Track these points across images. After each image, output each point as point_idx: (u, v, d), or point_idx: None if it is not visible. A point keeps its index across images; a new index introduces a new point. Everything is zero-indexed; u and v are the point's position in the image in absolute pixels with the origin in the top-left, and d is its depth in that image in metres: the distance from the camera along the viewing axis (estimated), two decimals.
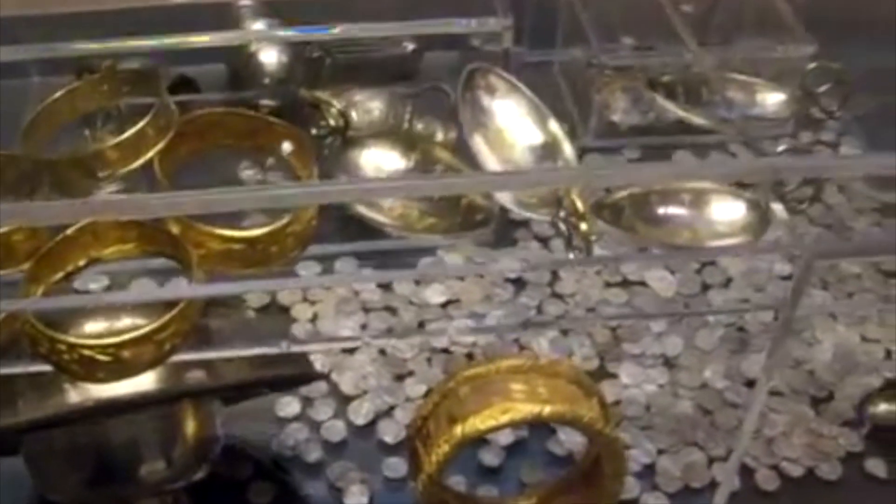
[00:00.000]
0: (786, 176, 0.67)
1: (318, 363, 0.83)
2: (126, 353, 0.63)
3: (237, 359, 0.68)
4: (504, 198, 0.74)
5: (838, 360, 0.87)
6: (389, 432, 0.81)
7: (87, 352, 0.63)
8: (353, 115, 0.88)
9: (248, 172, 0.84)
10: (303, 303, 0.86)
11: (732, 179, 0.69)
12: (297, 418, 0.82)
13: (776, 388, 0.85)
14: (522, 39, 1.05)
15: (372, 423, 0.82)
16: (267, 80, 0.95)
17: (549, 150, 0.73)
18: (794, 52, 0.94)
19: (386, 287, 0.87)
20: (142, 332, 0.63)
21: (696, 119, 0.86)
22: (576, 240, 0.68)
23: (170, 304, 0.65)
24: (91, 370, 0.63)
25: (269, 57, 0.97)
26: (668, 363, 0.86)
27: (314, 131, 0.75)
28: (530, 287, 0.88)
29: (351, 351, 0.85)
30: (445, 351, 0.85)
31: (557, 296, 0.88)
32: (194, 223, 0.69)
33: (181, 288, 0.63)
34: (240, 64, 0.98)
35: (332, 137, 0.74)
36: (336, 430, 0.81)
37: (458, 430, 0.70)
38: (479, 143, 0.72)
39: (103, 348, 0.63)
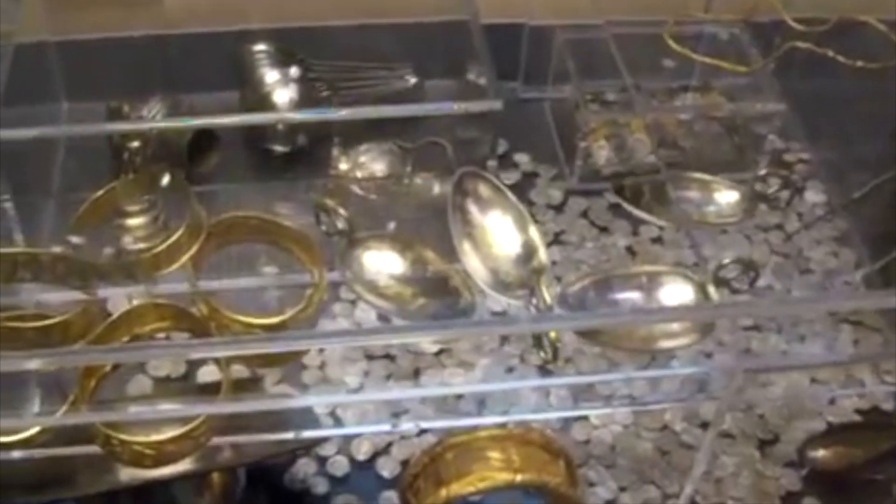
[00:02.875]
0: (728, 317, 0.88)
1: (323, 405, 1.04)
2: (169, 447, 0.85)
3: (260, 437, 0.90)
4: (482, 282, 0.95)
5: (787, 402, 1.09)
6: (387, 468, 1.03)
7: (136, 447, 0.85)
8: (358, 174, 1.08)
9: (266, 269, 1.05)
10: (312, 350, 1.07)
11: (691, 320, 0.90)
12: (305, 453, 1.04)
13: (728, 431, 1.06)
14: (517, 76, 1.25)
15: (371, 459, 1.03)
16: (280, 126, 1.15)
17: (526, 254, 0.93)
18: (766, 109, 1.14)
19: None
20: (181, 431, 0.85)
21: (656, 220, 1.06)
22: (545, 344, 0.89)
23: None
24: (139, 459, 0.85)
25: (282, 97, 1.17)
26: (635, 405, 1.08)
27: (323, 228, 0.96)
28: (514, 338, 1.09)
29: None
30: None
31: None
32: (221, 309, 0.91)
33: (211, 406, 0.84)
34: (254, 103, 1.17)
35: (339, 238, 0.95)
36: (340, 466, 1.03)
37: (443, 492, 0.92)
38: (465, 248, 0.93)
39: (149, 444, 0.85)
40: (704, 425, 1.06)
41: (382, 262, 0.94)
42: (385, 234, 0.95)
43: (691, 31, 1.19)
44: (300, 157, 1.16)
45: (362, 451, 1.03)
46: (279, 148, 1.15)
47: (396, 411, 1.06)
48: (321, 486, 1.02)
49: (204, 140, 1.12)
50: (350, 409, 1.06)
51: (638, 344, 0.93)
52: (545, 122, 1.23)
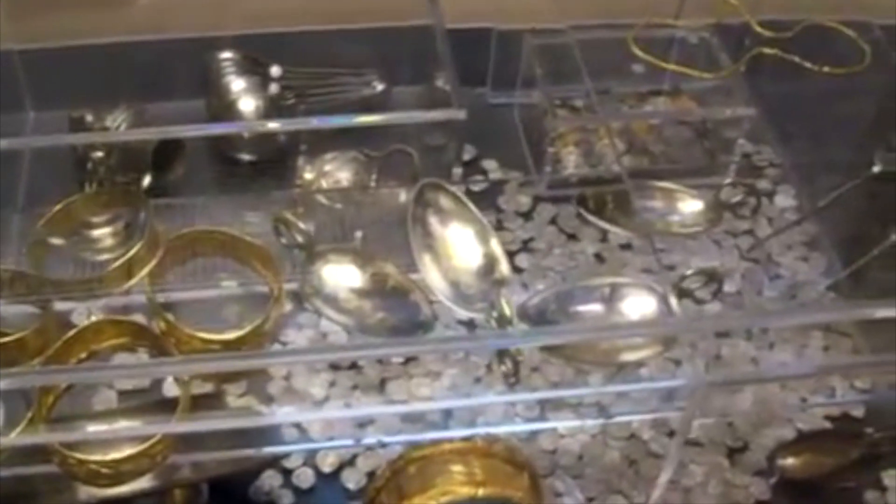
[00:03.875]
0: (701, 330, 0.88)
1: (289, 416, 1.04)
2: (125, 466, 0.85)
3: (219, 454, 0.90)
4: (442, 295, 0.95)
5: (756, 408, 1.09)
6: (352, 480, 1.03)
7: (92, 466, 0.85)
8: (323, 183, 1.09)
9: (226, 283, 1.05)
10: None
11: (660, 334, 0.90)
12: (271, 465, 1.04)
13: (696, 439, 1.06)
14: (486, 81, 1.25)
15: (337, 471, 1.03)
16: (246, 135, 1.15)
17: (488, 266, 0.94)
18: (735, 113, 1.14)
19: None
20: (137, 450, 0.85)
21: (619, 231, 1.06)
22: (506, 358, 0.89)
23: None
24: (95, 478, 0.86)
25: (248, 105, 1.17)
26: (602, 411, 1.08)
27: (283, 241, 0.96)
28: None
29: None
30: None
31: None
32: (178, 325, 0.91)
33: (167, 425, 0.84)
34: (220, 111, 1.17)
35: (298, 251, 0.95)
36: (305, 478, 1.03)
37: None
38: (426, 260, 0.93)
39: (105, 463, 0.85)
40: (673, 434, 1.06)
41: (342, 276, 0.94)
42: (345, 248, 0.95)
43: (661, 35, 1.19)
44: (267, 165, 1.15)
45: (328, 463, 1.04)
46: (245, 157, 1.15)
47: (362, 422, 1.05)
48: (286, 499, 1.02)
49: (169, 149, 1.12)
50: (315, 420, 1.05)
51: (600, 357, 0.93)
52: (514, 127, 1.23)
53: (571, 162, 1.16)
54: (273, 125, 1.09)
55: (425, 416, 1.04)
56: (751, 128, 1.15)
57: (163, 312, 0.90)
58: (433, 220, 0.94)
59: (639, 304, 0.94)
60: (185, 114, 1.17)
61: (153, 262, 0.92)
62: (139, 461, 0.85)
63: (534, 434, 1.06)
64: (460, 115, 1.02)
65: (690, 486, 1.04)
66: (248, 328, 0.90)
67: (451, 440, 0.94)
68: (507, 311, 0.91)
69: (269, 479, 1.02)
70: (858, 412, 1.09)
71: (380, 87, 1.21)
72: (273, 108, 1.17)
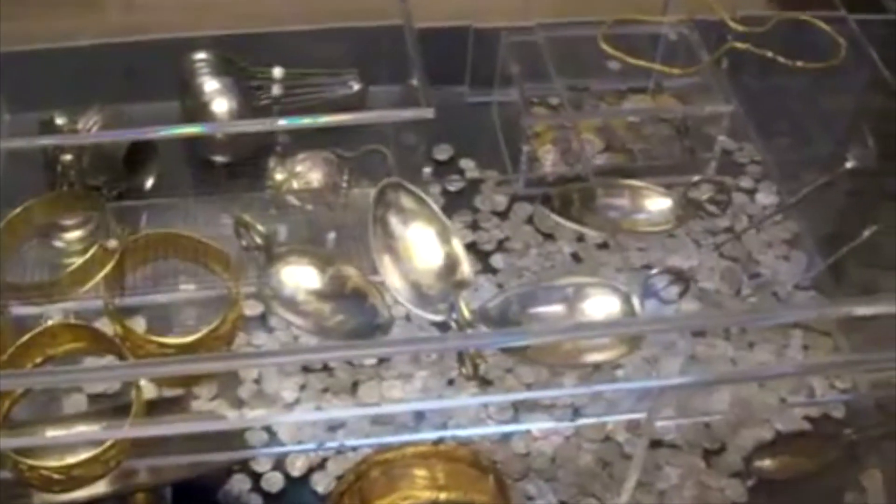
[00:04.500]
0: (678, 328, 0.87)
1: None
2: (77, 472, 0.84)
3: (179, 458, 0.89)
4: (402, 297, 0.94)
5: (735, 408, 1.07)
6: (322, 483, 1.02)
7: (44, 472, 0.84)
8: (294, 184, 1.07)
9: (185, 286, 1.04)
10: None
11: (620, 334, 0.88)
12: (240, 469, 1.03)
13: (672, 441, 1.04)
14: (464, 79, 1.24)
15: (307, 475, 1.02)
16: (220, 136, 1.14)
17: (449, 268, 0.92)
18: (714, 110, 1.12)
19: None
20: (90, 455, 0.84)
21: (587, 230, 1.05)
22: (466, 360, 0.88)
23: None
24: (48, 485, 0.85)
25: (221, 106, 1.16)
26: (576, 413, 1.06)
27: (244, 243, 0.95)
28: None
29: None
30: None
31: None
32: (135, 329, 0.90)
33: (118, 431, 0.83)
34: (193, 112, 1.16)
35: (258, 253, 0.94)
36: (275, 482, 1.02)
37: None
38: (386, 262, 0.92)
39: (58, 469, 0.84)
40: None
41: (301, 278, 0.93)
42: (305, 249, 0.94)
43: (640, 32, 1.18)
44: (241, 166, 1.14)
45: (297, 467, 1.02)
46: (219, 158, 1.14)
47: (333, 425, 1.04)
48: (256, 503, 1.01)
49: (142, 151, 1.11)
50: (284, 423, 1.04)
51: (563, 358, 0.92)
52: (492, 126, 1.22)
53: (549, 160, 1.14)
54: (243, 126, 1.07)
55: (396, 418, 1.02)
56: (731, 124, 1.14)
57: (118, 316, 0.89)
58: (394, 221, 0.93)
59: (602, 305, 0.93)
60: (160, 115, 1.16)
61: (108, 266, 0.90)
62: (91, 466, 0.84)
63: (506, 437, 1.04)
64: (428, 113, 1.00)
65: (665, 489, 1.02)
66: (203, 331, 0.89)
67: (415, 444, 0.92)
68: (466, 314, 0.90)
69: (239, 483, 1.01)
70: (839, 413, 1.06)
71: (356, 86, 1.20)
72: (247, 110, 1.15)
